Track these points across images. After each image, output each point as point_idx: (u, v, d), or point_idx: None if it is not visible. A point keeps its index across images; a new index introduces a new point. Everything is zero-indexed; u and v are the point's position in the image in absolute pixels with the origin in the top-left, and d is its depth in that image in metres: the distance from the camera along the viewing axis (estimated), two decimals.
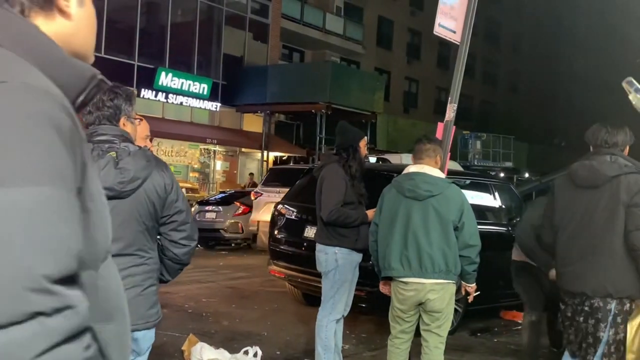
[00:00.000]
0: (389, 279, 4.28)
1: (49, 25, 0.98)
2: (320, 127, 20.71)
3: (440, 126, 5.48)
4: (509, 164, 28.09)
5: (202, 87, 21.21)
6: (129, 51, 19.76)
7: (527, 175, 29.43)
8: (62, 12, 1.00)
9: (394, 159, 12.02)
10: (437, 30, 5.45)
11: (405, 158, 10.76)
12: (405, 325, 4.28)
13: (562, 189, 3.81)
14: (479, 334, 6.96)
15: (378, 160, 11.13)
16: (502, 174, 23.56)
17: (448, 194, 4.10)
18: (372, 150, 18.81)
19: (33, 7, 0.97)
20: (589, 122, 3.96)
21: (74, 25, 1.03)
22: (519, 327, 7.38)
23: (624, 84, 0.84)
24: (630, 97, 0.86)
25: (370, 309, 6.60)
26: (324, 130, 20.65)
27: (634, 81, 0.86)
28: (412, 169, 4.24)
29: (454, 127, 5.43)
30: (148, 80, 19.61)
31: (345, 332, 5.16)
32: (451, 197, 4.10)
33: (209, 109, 21.82)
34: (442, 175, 4.25)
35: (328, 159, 4.97)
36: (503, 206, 7.81)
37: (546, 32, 40.06)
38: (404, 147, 20.46)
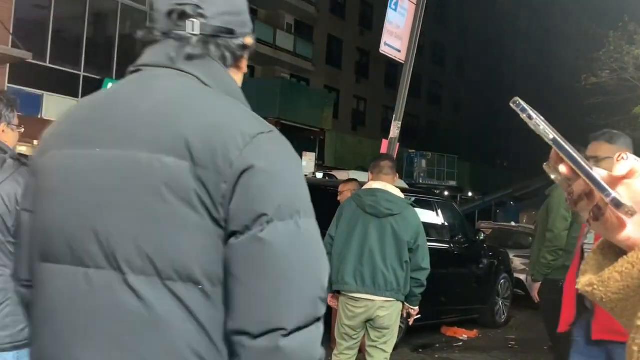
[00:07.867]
0: (338, 293, 4.30)
1: (236, 76, 1.37)
2: None
3: (384, 143, 5.60)
4: (452, 183, 28.73)
5: None
6: (75, 61, 19.28)
7: (470, 194, 30.18)
8: (240, 69, 1.39)
9: (342, 175, 12.10)
10: (383, 49, 5.60)
11: (353, 175, 10.85)
12: (352, 342, 4.30)
13: None
14: (420, 350, 7.06)
15: (325, 176, 11.19)
16: (446, 193, 24.04)
17: (406, 215, 4.14)
18: (320, 167, 18.88)
19: (230, 65, 1.35)
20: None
21: (241, 78, 1.40)
22: (460, 344, 7.52)
23: (511, 105, 0.80)
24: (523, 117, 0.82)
25: None
26: None
27: (521, 101, 0.81)
28: (374, 185, 4.24)
29: (398, 144, 5.56)
30: (94, 91, 18.67)
31: None
32: (409, 219, 4.14)
33: None
34: (402, 195, 4.30)
35: None
36: (446, 224, 7.98)
37: (490, 55, 41.28)
38: (351, 164, 20.64)
